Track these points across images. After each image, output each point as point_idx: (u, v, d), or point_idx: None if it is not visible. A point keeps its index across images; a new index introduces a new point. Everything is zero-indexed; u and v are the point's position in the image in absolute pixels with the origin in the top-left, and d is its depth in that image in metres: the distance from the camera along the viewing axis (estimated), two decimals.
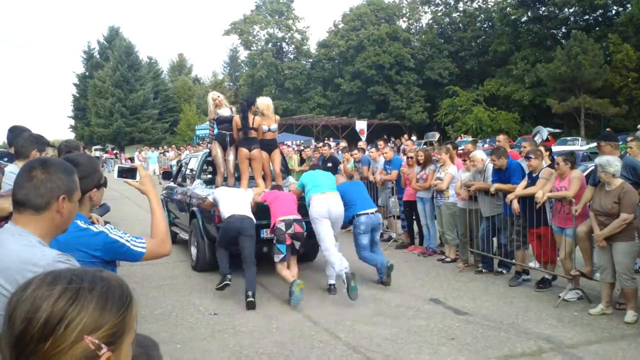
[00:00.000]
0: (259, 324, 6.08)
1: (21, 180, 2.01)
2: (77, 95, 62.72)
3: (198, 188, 8.83)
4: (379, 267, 7.56)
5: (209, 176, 9.29)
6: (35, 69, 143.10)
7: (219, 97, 9.02)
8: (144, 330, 5.80)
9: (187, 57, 72.42)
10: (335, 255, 6.93)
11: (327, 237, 7.10)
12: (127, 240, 2.63)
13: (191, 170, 10.22)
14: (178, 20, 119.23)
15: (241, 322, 6.15)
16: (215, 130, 9.06)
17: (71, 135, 63.66)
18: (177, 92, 61.56)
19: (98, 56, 61.27)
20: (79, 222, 2.48)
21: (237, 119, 8.49)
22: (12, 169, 4.16)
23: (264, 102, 8.71)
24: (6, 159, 3.95)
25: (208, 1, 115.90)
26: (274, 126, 8.75)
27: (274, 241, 6.93)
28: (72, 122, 64.65)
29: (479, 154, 8.32)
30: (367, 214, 7.60)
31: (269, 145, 8.62)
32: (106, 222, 3.34)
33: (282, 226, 6.85)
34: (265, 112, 8.60)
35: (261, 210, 7.39)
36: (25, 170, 2.03)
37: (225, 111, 8.88)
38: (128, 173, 2.90)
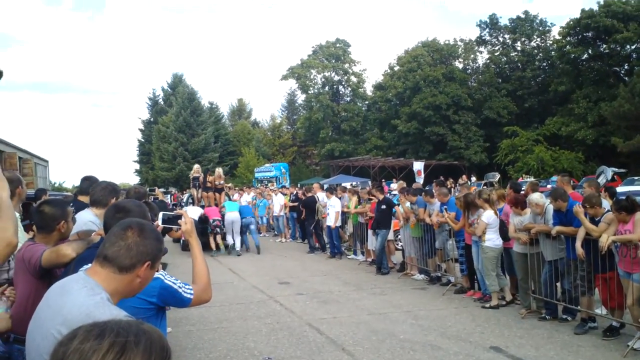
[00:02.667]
0: None
1: (115, 237, 2.05)
2: (142, 140, 65.03)
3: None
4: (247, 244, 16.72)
5: (191, 204, 18.21)
6: (104, 116, 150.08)
7: (198, 169, 18.05)
8: None
9: (246, 102, 74.06)
10: (236, 240, 16.06)
11: (232, 230, 16.00)
12: (179, 287, 2.69)
13: (184, 202, 21.76)
14: (238, 66, 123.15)
15: None
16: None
17: (136, 179, 65.91)
18: (237, 135, 62.90)
19: (162, 102, 63.60)
20: None
21: (201, 178, 17.57)
22: (89, 217, 4.26)
23: (217, 170, 17.54)
24: (72, 205, 4.11)
25: (267, 48, 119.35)
26: (221, 182, 17.55)
27: (209, 227, 15.54)
28: (137, 166, 66.88)
29: (536, 197, 8.08)
30: (247, 217, 16.40)
31: (218, 190, 17.22)
32: (164, 265, 3.41)
33: (212, 221, 15.45)
34: (217, 174, 17.25)
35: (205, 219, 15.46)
36: (121, 228, 2.08)
37: (197, 174, 17.83)
38: (173, 220, 2.95)
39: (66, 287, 2.02)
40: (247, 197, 21.90)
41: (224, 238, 16.10)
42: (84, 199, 4.98)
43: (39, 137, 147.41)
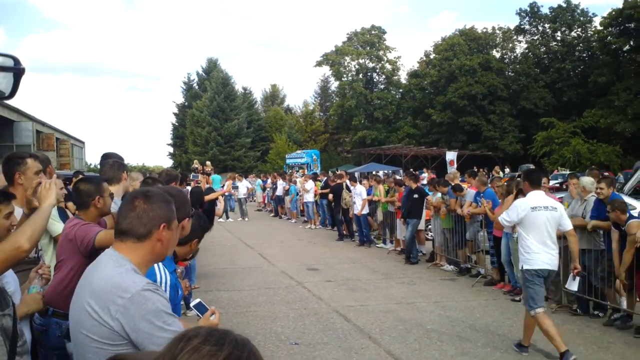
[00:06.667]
0: (339, 356, 6.04)
1: (125, 210, 2.14)
2: (177, 124, 65.74)
3: None
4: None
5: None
6: (140, 99, 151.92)
7: (197, 162, 27.16)
8: None
9: (280, 88, 74.03)
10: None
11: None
12: None
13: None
14: (272, 52, 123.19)
15: (321, 353, 6.13)
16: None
17: (169, 162, 66.74)
18: (270, 121, 63.10)
19: (197, 87, 64.10)
20: None
21: (200, 168, 24.27)
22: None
23: (207, 162, 26.51)
24: None
25: (301, 34, 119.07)
26: (210, 170, 22.89)
27: None
28: (171, 149, 67.71)
29: (587, 181, 7.88)
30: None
31: (208, 174, 20.23)
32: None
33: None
34: (207, 165, 25.12)
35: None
36: (129, 201, 2.17)
37: (196, 165, 25.87)
38: None
39: (97, 262, 2.13)
40: (282, 183, 23.16)
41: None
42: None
43: (76, 118, 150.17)
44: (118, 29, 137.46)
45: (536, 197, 6.13)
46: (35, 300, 2.98)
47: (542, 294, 5.99)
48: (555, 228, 6.10)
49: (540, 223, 5.98)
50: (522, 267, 6.12)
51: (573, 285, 6.44)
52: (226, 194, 20.31)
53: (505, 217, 6.23)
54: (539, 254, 5.94)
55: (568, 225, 6.22)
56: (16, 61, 0.87)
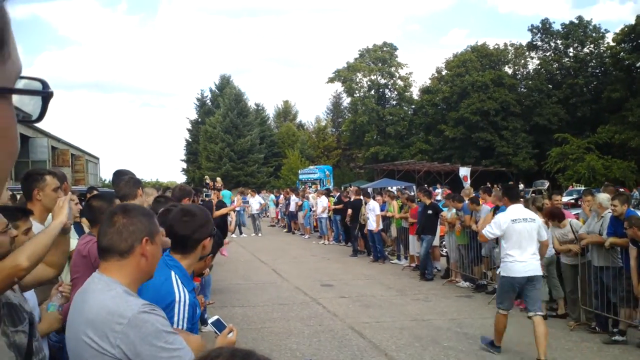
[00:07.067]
0: None
1: (104, 227, 2.09)
2: (190, 140, 66.12)
3: None
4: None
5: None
6: (153, 115, 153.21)
7: (207, 178, 23.84)
8: None
9: (292, 104, 74.28)
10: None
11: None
12: None
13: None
14: (284, 68, 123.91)
15: None
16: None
17: (183, 178, 67.02)
18: (282, 137, 63.30)
19: (210, 103, 64.52)
20: None
21: (211, 183, 20.54)
22: None
23: (217, 179, 21.88)
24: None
25: (313, 50, 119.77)
26: (220, 185, 20.01)
27: None
28: (184, 165, 68.06)
29: (603, 198, 7.81)
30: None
31: (218, 189, 18.15)
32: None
33: None
34: (218, 180, 21.23)
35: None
36: (108, 218, 2.12)
37: (208, 181, 22.39)
38: None
39: (86, 289, 2.07)
40: (295, 199, 23.06)
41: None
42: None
43: (90, 134, 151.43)
44: (131, 46, 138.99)
45: (516, 210, 6.75)
46: (57, 319, 2.98)
47: (510, 300, 6.76)
48: (535, 238, 6.61)
49: (520, 234, 6.54)
50: (500, 273, 6.81)
51: None
52: (237, 208, 20.09)
53: (489, 230, 6.82)
54: (513, 263, 6.51)
55: (544, 236, 6.82)
56: (44, 84, 0.87)
